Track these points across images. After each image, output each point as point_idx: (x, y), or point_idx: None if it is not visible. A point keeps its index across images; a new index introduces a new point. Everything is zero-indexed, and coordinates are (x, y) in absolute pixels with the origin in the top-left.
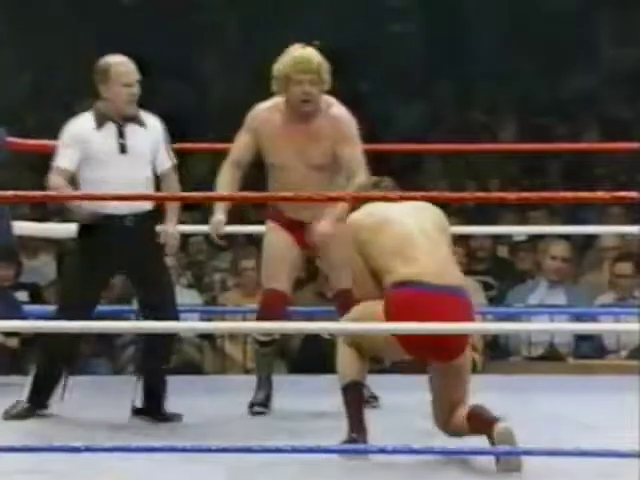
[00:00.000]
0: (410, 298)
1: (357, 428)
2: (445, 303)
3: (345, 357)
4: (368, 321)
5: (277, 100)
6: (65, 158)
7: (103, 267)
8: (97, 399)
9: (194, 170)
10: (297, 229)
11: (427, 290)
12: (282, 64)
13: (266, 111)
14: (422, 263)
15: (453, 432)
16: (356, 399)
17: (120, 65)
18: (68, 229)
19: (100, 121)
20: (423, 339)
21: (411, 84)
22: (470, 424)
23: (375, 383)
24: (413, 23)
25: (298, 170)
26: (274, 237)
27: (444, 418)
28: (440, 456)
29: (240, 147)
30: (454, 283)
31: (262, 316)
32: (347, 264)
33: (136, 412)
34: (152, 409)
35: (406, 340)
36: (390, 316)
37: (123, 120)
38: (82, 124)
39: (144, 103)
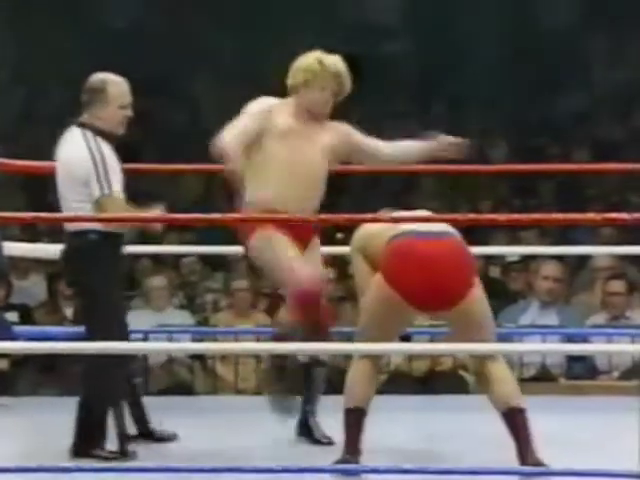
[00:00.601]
0: (403, 244)
1: (352, 450)
2: (438, 245)
3: (357, 376)
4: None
5: (286, 100)
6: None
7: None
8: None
9: (189, 190)
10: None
11: (420, 236)
12: (312, 65)
13: (279, 105)
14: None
15: (483, 387)
16: (357, 423)
17: (119, 85)
18: (58, 250)
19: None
20: (423, 286)
21: (403, 104)
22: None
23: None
24: (404, 43)
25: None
26: (276, 237)
27: (474, 367)
28: (434, 476)
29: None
30: (443, 229)
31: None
32: None
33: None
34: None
35: (406, 289)
36: (387, 267)
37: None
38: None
39: (137, 123)
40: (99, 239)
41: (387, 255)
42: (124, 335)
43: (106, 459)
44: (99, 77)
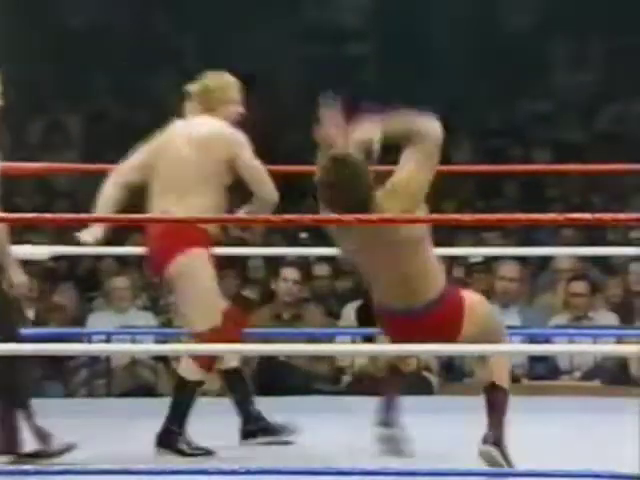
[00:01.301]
0: None
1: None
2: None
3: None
4: None
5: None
6: None
7: None
8: (49, 421)
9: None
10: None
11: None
12: (225, 84)
13: None
14: None
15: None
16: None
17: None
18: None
19: None
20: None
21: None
22: None
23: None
24: (367, 45)
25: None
26: (209, 268)
27: None
28: (397, 477)
29: None
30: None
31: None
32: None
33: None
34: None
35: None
36: None
37: None
38: None
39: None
40: None
41: None
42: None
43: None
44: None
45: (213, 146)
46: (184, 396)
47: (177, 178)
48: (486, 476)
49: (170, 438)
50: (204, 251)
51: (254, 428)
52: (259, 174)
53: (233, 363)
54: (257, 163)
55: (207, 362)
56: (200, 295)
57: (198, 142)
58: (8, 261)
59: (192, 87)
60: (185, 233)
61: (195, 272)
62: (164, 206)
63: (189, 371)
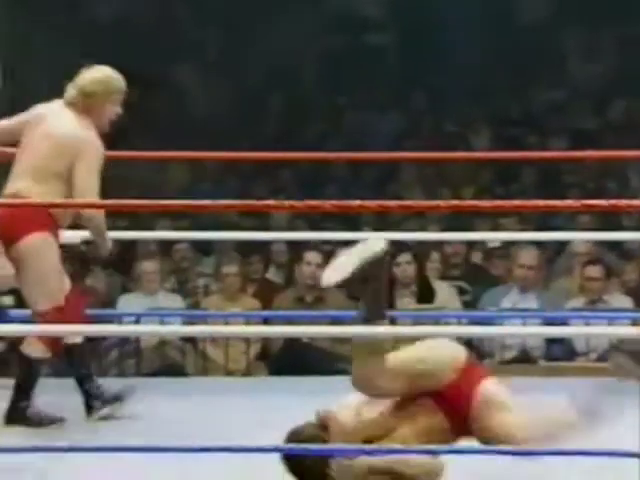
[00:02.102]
0: None
1: None
2: None
3: None
4: None
5: (82, 119)
6: None
7: None
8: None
9: (174, 179)
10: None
11: None
12: (102, 81)
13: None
14: None
15: None
16: None
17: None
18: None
19: None
20: None
21: (386, 95)
22: None
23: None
24: (388, 35)
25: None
26: (54, 250)
27: None
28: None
29: None
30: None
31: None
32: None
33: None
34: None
35: None
36: None
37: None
38: None
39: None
40: None
41: None
42: None
43: None
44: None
45: (65, 147)
46: (29, 373)
47: (33, 165)
48: (513, 455)
49: (18, 413)
50: (51, 234)
51: (95, 403)
52: (85, 188)
53: (77, 339)
54: (90, 177)
55: (51, 342)
56: (45, 275)
57: (54, 138)
58: None
59: (73, 86)
60: (35, 216)
61: (42, 253)
62: (18, 187)
63: (33, 349)
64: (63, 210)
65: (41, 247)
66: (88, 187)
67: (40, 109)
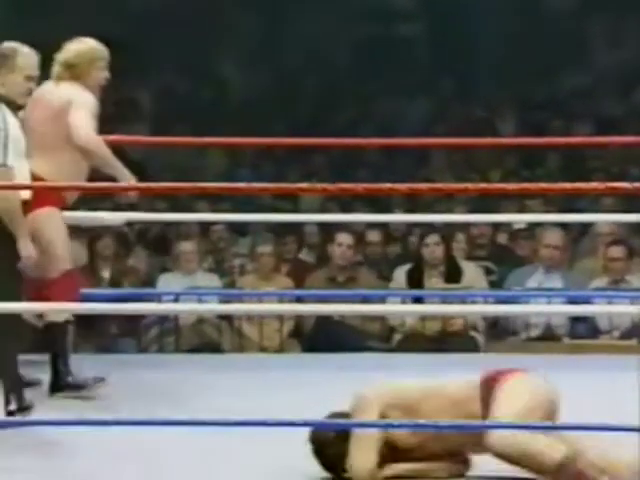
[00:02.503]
0: None
1: None
2: None
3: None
4: None
5: (72, 85)
6: None
7: None
8: (124, 374)
9: (213, 164)
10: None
11: None
12: (85, 53)
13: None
14: None
15: None
16: None
17: (29, 56)
18: (95, 218)
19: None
20: None
21: (417, 82)
22: None
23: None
24: (419, 25)
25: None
26: (62, 223)
27: None
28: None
29: None
30: None
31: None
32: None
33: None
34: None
35: None
36: None
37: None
38: None
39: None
40: None
41: None
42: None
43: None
44: (11, 45)
45: (59, 112)
46: (59, 339)
47: (37, 142)
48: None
49: (60, 381)
50: (57, 209)
51: (62, 383)
52: (79, 125)
53: (62, 317)
54: (82, 120)
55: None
56: (52, 243)
57: (48, 109)
58: (20, 232)
59: (59, 57)
60: (41, 192)
61: (48, 224)
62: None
63: (56, 315)
64: (70, 179)
65: (47, 218)
66: (81, 124)
67: (35, 92)
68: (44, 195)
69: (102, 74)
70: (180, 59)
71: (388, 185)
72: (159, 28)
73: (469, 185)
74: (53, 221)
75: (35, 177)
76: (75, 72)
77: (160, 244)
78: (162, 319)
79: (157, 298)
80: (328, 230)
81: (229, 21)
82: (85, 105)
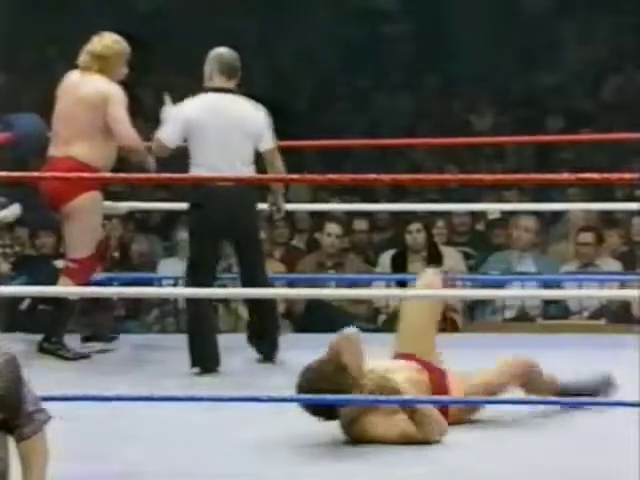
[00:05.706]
0: None
1: None
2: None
3: None
4: None
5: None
6: None
7: None
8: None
9: None
10: None
11: None
12: (115, 47)
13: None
14: None
15: None
16: None
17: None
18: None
19: None
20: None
21: (400, 80)
22: None
23: None
24: (402, 26)
25: None
26: (101, 207)
27: None
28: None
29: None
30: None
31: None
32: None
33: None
34: None
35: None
36: None
37: None
38: None
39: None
40: None
41: None
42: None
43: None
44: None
45: (97, 103)
46: (64, 312)
47: (76, 128)
48: (514, 404)
49: (50, 344)
50: (98, 193)
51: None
52: (120, 120)
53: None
54: (123, 117)
55: (83, 281)
56: (91, 228)
57: (85, 100)
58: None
59: (90, 48)
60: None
61: (91, 210)
62: (69, 152)
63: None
64: (107, 166)
65: (91, 205)
66: (122, 120)
67: (65, 82)
68: (85, 179)
69: (124, 69)
70: (179, 57)
71: (373, 176)
72: (159, 28)
73: (449, 176)
74: (97, 207)
75: (78, 162)
76: (103, 64)
77: (162, 231)
78: (163, 301)
79: (157, 282)
80: (318, 218)
81: (226, 21)
82: (122, 101)
